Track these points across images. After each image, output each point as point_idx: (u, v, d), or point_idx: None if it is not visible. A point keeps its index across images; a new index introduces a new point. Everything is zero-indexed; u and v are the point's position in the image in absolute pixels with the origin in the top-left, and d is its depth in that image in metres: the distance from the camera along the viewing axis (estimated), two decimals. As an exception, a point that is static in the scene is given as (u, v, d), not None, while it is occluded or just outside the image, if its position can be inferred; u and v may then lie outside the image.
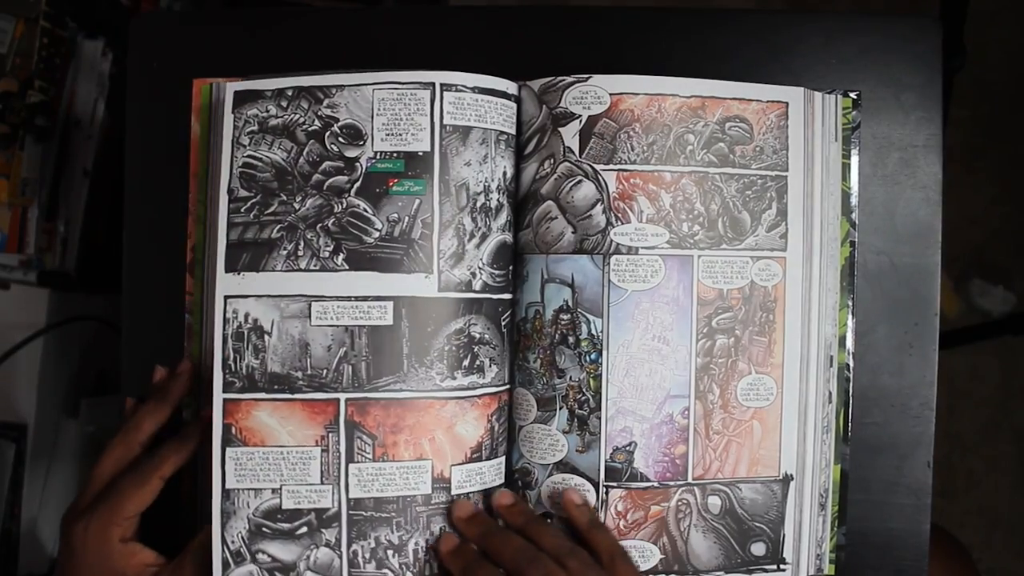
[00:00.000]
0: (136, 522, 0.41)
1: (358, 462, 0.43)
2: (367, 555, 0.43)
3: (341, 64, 0.49)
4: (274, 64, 0.50)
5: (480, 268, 0.45)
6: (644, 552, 0.45)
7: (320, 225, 0.44)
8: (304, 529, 0.43)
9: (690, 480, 0.46)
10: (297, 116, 0.45)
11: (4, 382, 0.77)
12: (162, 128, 0.51)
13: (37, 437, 0.78)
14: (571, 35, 0.52)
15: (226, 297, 0.44)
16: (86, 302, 0.81)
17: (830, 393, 0.47)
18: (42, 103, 0.77)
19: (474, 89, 0.45)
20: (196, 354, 0.50)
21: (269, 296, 0.44)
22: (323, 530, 0.43)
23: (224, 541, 0.43)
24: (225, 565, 0.42)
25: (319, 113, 0.45)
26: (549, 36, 0.52)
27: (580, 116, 0.45)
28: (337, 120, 0.44)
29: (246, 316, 0.44)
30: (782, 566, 0.46)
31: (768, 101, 0.47)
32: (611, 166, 0.45)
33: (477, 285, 0.45)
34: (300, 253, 0.44)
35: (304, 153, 0.45)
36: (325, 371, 0.44)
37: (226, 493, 0.43)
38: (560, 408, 0.45)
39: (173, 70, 0.51)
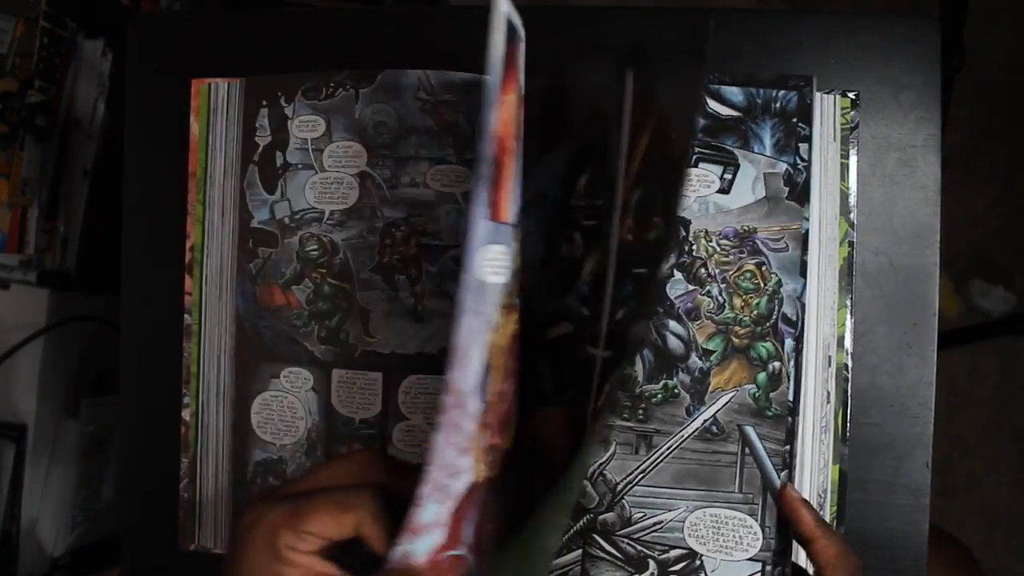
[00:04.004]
0: (322, 544, 0.35)
1: None
2: None
3: (341, 64, 0.49)
4: (274, 65, 0.50)
5: None
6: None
7: None
8: None
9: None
10: None
11: (4, 382, 0.77)
12: (161, 128, 0.51)
13: (37, 437, 0.78)
14: (571, 35, 0.52)
15: None
16: (86, 302, 0.81)
17: (828, 393, 0.47)
18: (42, 103, 0.77)
19: None
20: (195, 354, 0.50)
21: None
22: None
23: None
24: None
25: None
26: (549, 36, 0.52)
27: None
28: None
29: None
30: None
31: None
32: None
33: None
34: None
35: None
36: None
37: None
38: None
39: (173, 70, 0.51)
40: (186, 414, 0.50)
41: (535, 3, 0.64)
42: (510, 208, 0.34)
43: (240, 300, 0.50)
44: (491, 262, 0.32)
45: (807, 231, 0.45)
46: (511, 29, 0.34)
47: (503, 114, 0.33)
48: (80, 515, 0.83)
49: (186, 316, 0.50)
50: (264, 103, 0.50)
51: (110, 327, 0.82)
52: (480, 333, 0.32)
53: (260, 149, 0.50)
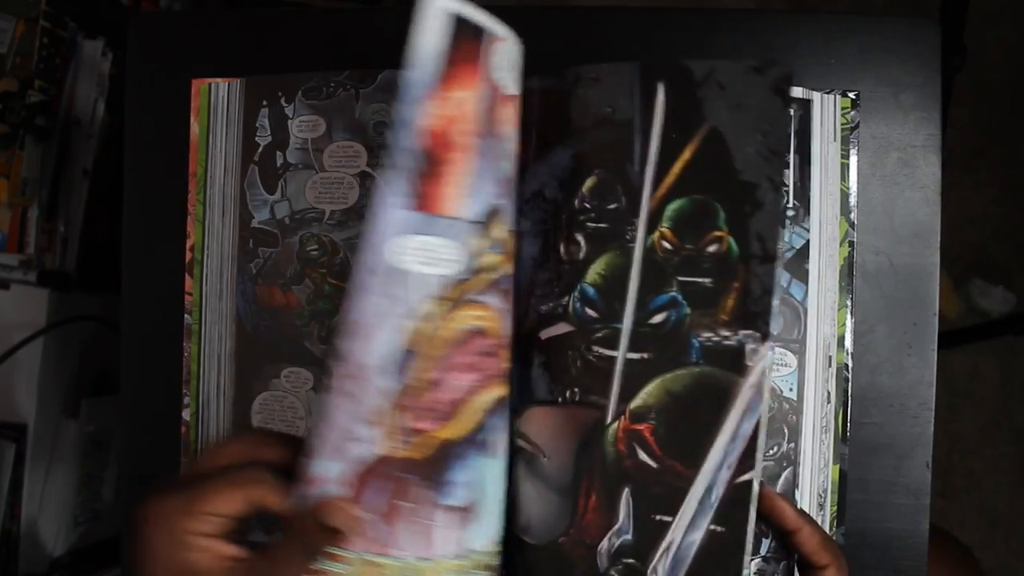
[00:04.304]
0: (222, 523, 0.35)
1: None
2: None
3: (341, 64, 0.49)
4: (274, 64, 0.50)
5: None
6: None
7: None
8: None
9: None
10: None
11: (4, 382, 0.77)
12: (161, 128, 0.51)
13: (37, 437, 0.78)
14: (571, 35, 0.52)
15: None
16: (86, 302, 0.81)
17: (829, 393, 0.47)
18: (42, 103, 0.77)
19: None
20: (195, 354, 0.50)
21: None
22: None
23: None
24: None
25: None
26: (549, 36, 0.52)
27: None
28: None
29: None
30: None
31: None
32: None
33: None
34: None
35: None
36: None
37: None
38: None
39: (173, 70, 0.51)
40: (186, 414, 0.50)
41: (535, 3, 0.64)
42: (459, 203, 0.36)
43: (240, 300, 0.50)
44: (418, 252, 0.34)
45: (789, 253, 0.47)
46: (465, 26, 0.35)
47: (447, 109, 0.35)
48: (80, 515, 0.83)
49: (186, 316, 0.50)
50: (264, 103, 0.50)
51: (110, 327, 0.82)
52: (390, 316, 0.34)
53: (260, 149, 0.50)
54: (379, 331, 0.34)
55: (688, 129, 0.40)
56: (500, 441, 0.40)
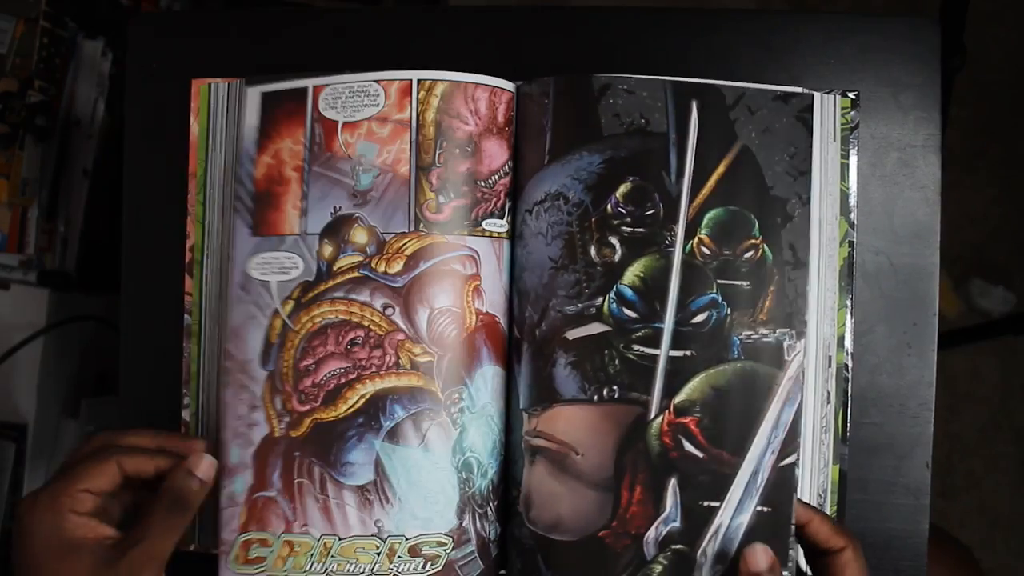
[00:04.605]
0: (96, 501, 0.39)
1: None
2: None
3: (341, 65, 0.49)
4: (274, 65, 0.50)
5: None
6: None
7: None
8: None
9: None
10: None
11: (4, 382, 0.77)
12: (161, 128, 0.52)
13: (37, 437, 0.78)
14: (571, 35, 0.52)
15: None
16: (86, 302, 0.81)
17: (828, 393, 0.47)
18: (42, 103, 0.77)
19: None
20: (195, 354, 0.50)
21: None
22: None
23: None
24: None
25: None
26: (549, 36, 0.52)
27: None
28: None
29: None
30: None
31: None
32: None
33: None
34: None
35: None
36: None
37: None
38: None
39: (173, 70, 0.51)
40: (186, 414, 0.50)
41: (535, 3, 0.64)
42: (295, 222, 0.44)
43: (240, 300, 0.50)
44: (268, 266, 0.44)
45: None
46: (281, 94, 0.44)
47: (275, 157, 0.44)
48: (80, 515, 0.83)
49: (186, 316, 0.50)
50: (264, 103, 0.50)
51: (110, 327, 0.82)
52: (255, 317, 0.43)
53: (260, 149, 0.50)
54: (248, 331, 0.43)
55: (722, 145, 0.43)
56: (426, 434, 0.42)
